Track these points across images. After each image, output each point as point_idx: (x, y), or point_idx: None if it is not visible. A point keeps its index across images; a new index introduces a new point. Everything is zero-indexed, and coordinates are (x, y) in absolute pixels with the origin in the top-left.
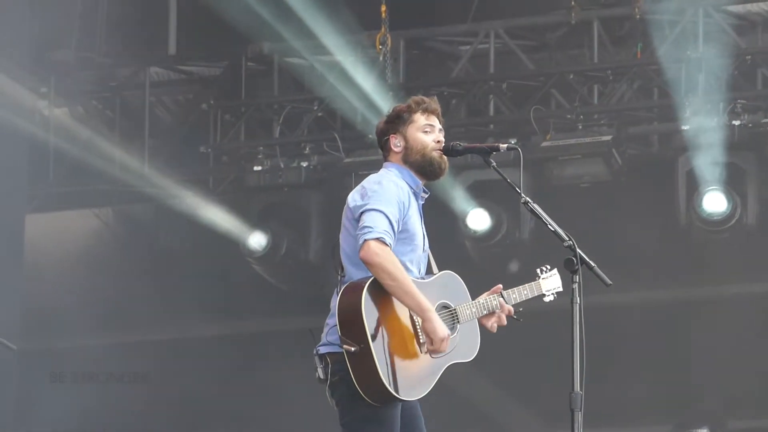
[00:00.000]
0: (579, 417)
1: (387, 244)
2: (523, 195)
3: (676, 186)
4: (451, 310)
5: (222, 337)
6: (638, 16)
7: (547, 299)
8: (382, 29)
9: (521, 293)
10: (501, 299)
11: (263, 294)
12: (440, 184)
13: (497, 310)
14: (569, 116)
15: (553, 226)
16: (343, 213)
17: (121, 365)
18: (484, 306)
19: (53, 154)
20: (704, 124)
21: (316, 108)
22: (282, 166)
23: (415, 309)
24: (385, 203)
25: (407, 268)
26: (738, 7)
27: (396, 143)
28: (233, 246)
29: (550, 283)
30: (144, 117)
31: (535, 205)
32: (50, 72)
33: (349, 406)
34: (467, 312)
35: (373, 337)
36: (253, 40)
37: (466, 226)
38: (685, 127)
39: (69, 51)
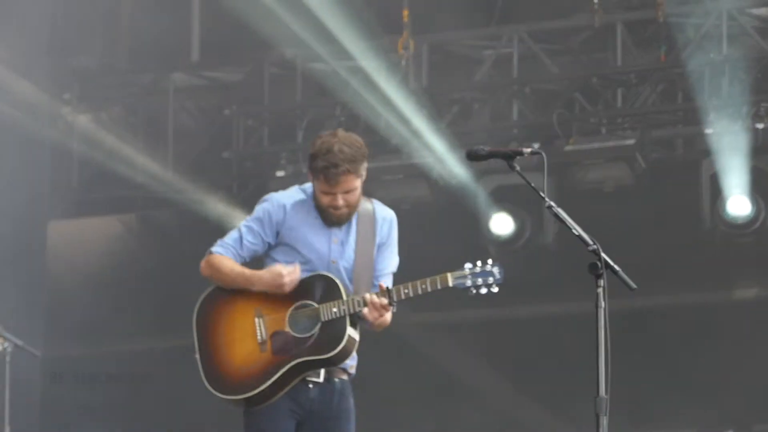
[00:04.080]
0: (604, 421)
1: (214, 254)
2: (546, 199)
3: (700, 190)
4: (313, 309)
5: None
6: (662, 20)
7: (473, 292)
8: (405, 34)
9: (417, 287)
10: (370, 296)
11: None
12: (463, 189)
13: (365, 308)
14: (593, 120)
15: (577, 230)
16: None
17: (147, 370)
18: (358, 303)
19: (77, 161)
20: (728, 128)
21: (338, 113)
22: (305, 171)
23: (243, 284)
24: (249, 219)
25: None
26: (762, 10)
27: (310, 177)
28: None
29: (470, 279)
30: (167, 123)
31: (559, 210)
32: (73, 78)
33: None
34: (333, 310)
35: (200, 341)
36: (276, 46)
37: (489, 230)
38: (709, 131)
39: (92, 57)
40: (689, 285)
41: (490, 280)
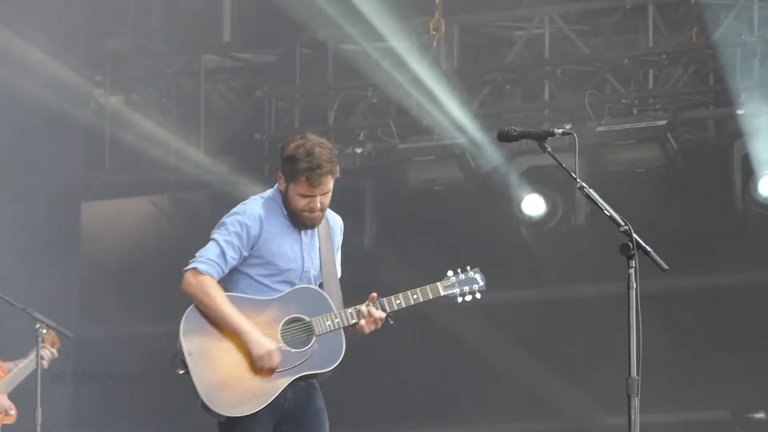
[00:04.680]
0: (636, 402)
1: (202, 272)
2: (578, 180)
3: (732, 171)
4: (305, 323)
5: None
6: (693, 1)
7: (459, 300)
8: (436, 15)
9: (409, 299)
10: (367, 309)
11: None
12: (495, 170)
13: (360, 320)
14: (624, 101)
15: (608, 211)
16: None
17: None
18: (351, 315)
19: (109, 142)
20: (760, 109)
21: (370, 94)
22: (336, 152)
23: (231, 330)
24: (224, 233)
25: (271, 288)
26: None
27: (281, 183)
28: None
29: (459, 284)
30: (199, 104)
31: (591, 191)
32: (105, 60)
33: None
34: (326, 323)
35: (192, 359)
36: (308, 27)
37: (521, 211)
38: (740, 112)
39: (124, 39)
40: (721, 266)
41: (475, 287)
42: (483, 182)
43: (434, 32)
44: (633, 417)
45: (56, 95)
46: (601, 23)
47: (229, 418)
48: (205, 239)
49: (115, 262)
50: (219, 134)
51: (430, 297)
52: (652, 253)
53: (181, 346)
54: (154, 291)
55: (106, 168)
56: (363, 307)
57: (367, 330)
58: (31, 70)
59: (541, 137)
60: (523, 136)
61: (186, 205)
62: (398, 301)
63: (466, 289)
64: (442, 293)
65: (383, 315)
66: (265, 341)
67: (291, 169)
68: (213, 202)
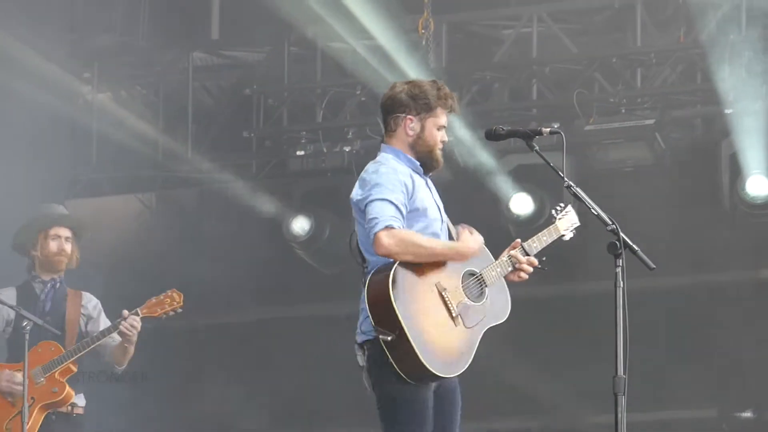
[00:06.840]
0: (623, 401)
1: (396, 227)
2: (566, 179)
3: (720, 170)
4: (477, 277)
5: (265, 322)
6: (681, 0)
7: (566, 238)
8: (425, 13)
9: (542, 240)
10: (524, 257)
11: (306, 278)
12: (483, 169)
13: (515, 266)
14: (612, 100)
15: (596, 210)
16: (353, 208)
17: (164, 351)
18: (507, 263)
19: (96, 139)
20: (747, 108)
21: (359, 92)
22: (325, 150)
23: (451, 257)
24: (387, 191)
25: None
26: None
27: (412, 127)
28: (276, 231)
29: (566, 221)
30: (187, 102)
31: (578, 189)
32: (93, 57)
33: (381, 388)
34: (492, 274)
35: (407, 322)
36: (296, 25)
37: (509, 210)
38: (728, 111)
39: (112, 36)
40: (708, 265)
41: (574, 224)
42: (471, 181)
43: (423, 30)
44: (620, 415)
45: (43, 92)
46: (589, 22)
47: (435, 376)
48: (192, 237)
49: (101, 259)
50: (207, 132)
51: (555, 237)
52: (640, 252)
53: (393, 311)
54: (141, 289)
55: (93, 165)
56: (521, 256)
57: (525, 276)
58: (18, 66)
59: (528, 136)
60: (511, 134)
61: (173, 202)
62: (534, 245)
63: (571, 225)
64: (561, 232)
65: (535, 260)
66: (472, 237)
67: (432, 101)
68: (200, 200)
